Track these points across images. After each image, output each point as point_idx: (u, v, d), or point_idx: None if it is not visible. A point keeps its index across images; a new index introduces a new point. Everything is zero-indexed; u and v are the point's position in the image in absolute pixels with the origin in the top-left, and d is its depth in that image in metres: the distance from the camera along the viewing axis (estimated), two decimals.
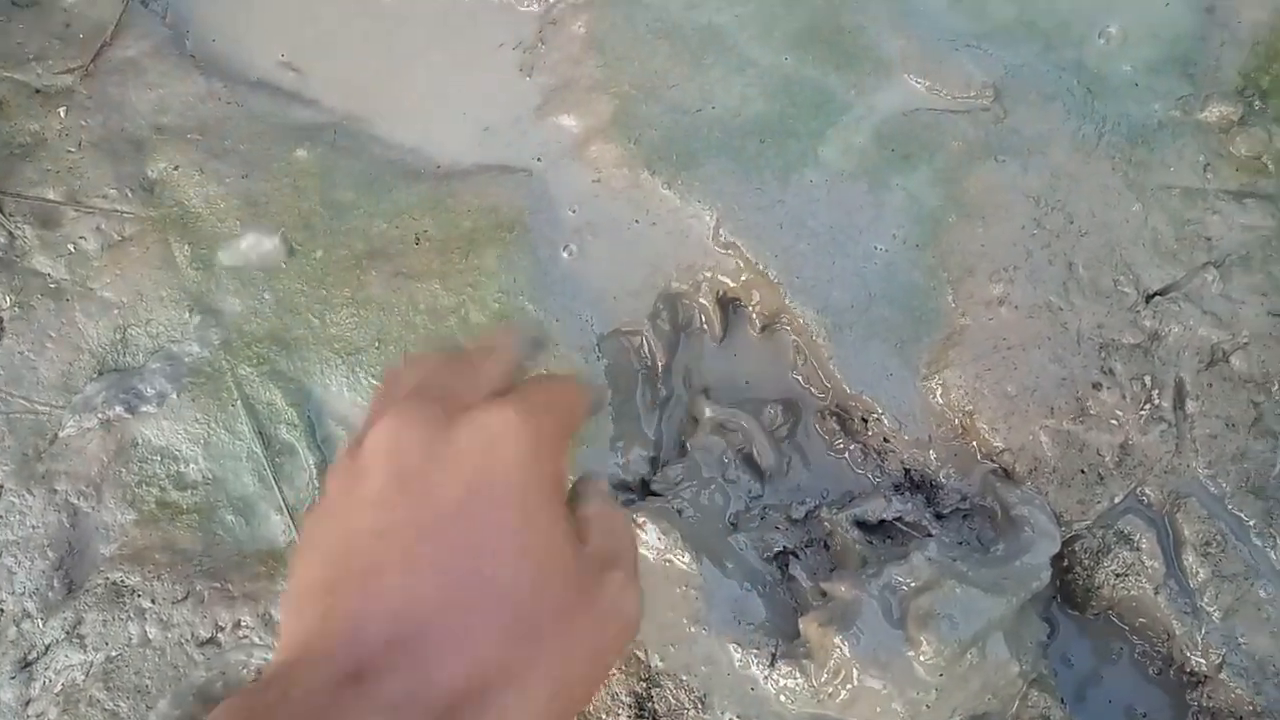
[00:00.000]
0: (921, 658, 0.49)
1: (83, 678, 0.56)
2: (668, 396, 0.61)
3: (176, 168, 0.65)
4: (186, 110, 0.67)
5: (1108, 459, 0.56)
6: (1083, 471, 0.56)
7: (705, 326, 0.62)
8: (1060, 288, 0.59)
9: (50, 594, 0.57)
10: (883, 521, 0.56)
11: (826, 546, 0.56)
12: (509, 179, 0.65)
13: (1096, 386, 0.57)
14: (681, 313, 0.62)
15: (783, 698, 0.51)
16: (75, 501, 0.59)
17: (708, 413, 0.59)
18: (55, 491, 0.59)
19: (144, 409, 0.60)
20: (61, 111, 0.67)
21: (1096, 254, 0.60)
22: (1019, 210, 0.61)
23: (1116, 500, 0.56)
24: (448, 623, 0.31)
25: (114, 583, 0.57)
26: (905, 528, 0.56)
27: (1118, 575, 0.55)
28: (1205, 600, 0.54)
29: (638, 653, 0.53)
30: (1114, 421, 0.56)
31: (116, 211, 0.64)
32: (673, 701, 0.53)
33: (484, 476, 0.33)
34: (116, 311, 0.62)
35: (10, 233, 0.63)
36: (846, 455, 0.59)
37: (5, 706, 0.55)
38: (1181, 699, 0.55)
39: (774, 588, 0.55)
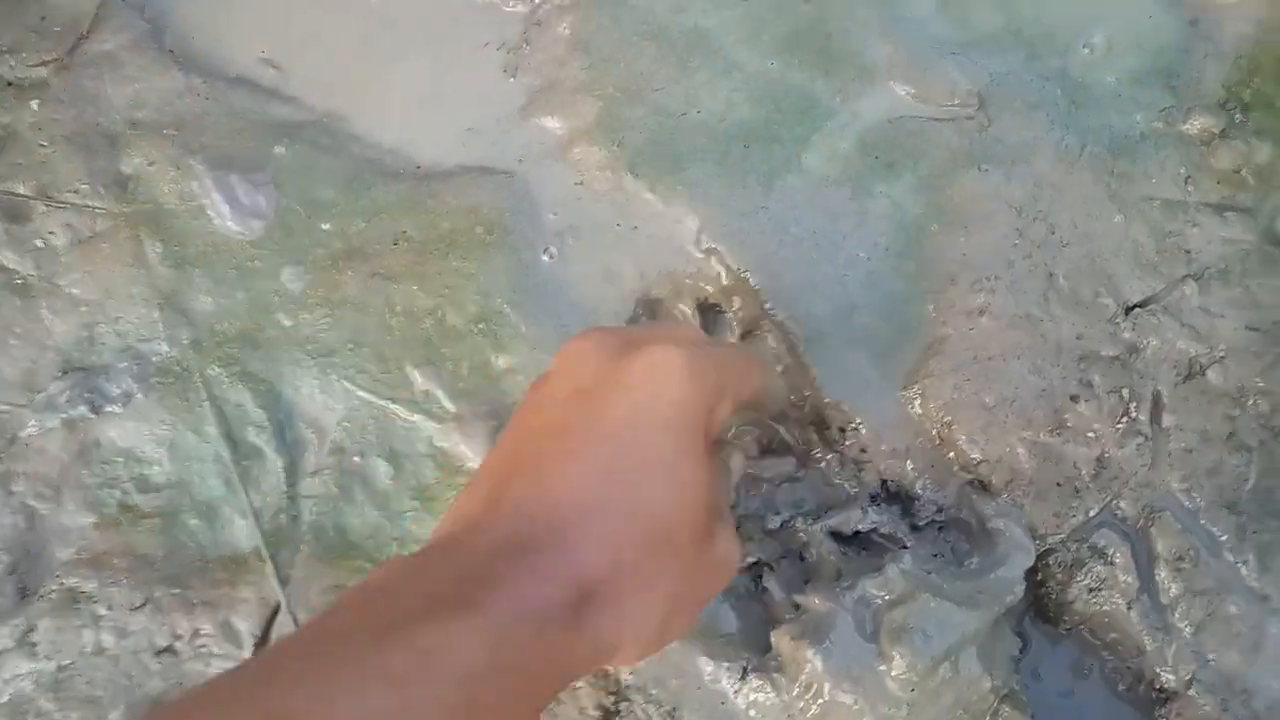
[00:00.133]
0: (894, 672, 0.49)
1: (32, 688, 0.55)
2: None
3: (151, 163, 0.64)
4: (163, 105, 0.66)
5: (1084, 472, 0.56)
6: (1059, 484, 0.56)
7: None
8: (1041, 298, 0.59)
9: (1, 600, 0.56)
10: (858, 533, 0.56)
11: (802, 558, 0.56)
12: (490, 180, 0.65)
13: (1075, 399, 0.57)
14: (662, 317, 0.62)
15: (753, 712, 0.51)
16: (33, 504, 0.58)
17: None
18: (12, 493, 0.58)
19: (109, 409, 0.59)
20: (34, 104, 0.65)
21: (1077, 265, 0.60)
22: (1001, 220, 0.61)
23: (1092, 514, 0.56)
24: (601, 517, 0.35)
25: (70, 588, 0.56)
26: (881, 539, 0.56)
27: (1091, 590, 0.55)
28: (1176, 616, 0.54)
29: (607, 665, 0.53)
30: (1091, 434, 0.56)
31: (88, 207, 0.63)
32: (641, 715, 0.52)
33: (650, 402, 0.37)
34: (84, 309, 0.61)
35: None
36: (823, 465, 0.59)
37: None
38: (1151, 715, 0.55)
39: (747, 600, 0.54)
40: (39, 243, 0.62)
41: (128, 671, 0.55)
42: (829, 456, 0.58)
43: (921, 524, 0.56)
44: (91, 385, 0.59)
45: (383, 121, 0.68)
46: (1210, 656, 0.53)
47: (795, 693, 0.50)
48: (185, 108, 0.66)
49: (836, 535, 0.56)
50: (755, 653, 0.52)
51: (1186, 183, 0.61)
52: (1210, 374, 0.57)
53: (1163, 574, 0.55)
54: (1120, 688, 0.55)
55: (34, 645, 0.55)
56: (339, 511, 0.58)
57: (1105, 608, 0.55)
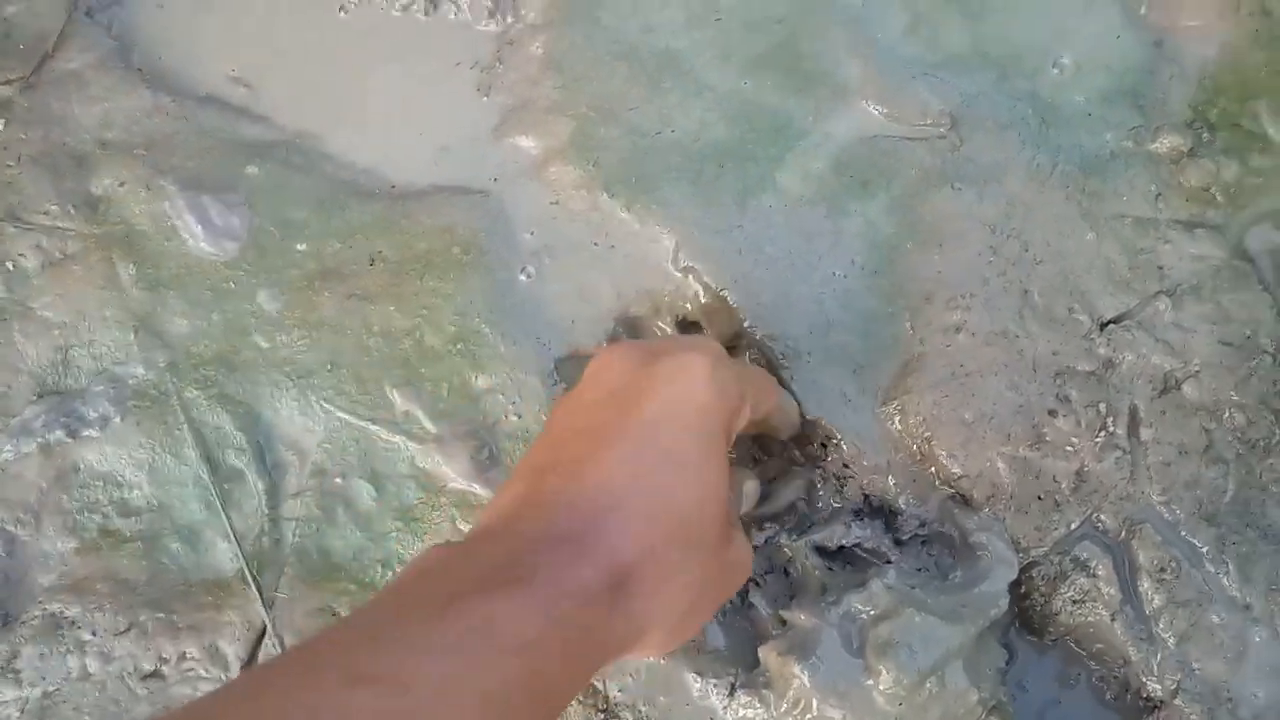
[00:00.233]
0: (881, 687, 0.49)
1: (18, 715, 0.54)
2: None
3: (122, 184, 0.64)
4: (132, 125, 0.66)
5: (1064, 486, 0.56)
6: (1039, 498, 0.56)
7: None
8: (1016, 315, 0.59)
9: None
10: (842, 548, 0.56)
11: (787, 573, 0.56)
12: (465, 200, 0.65)
13: (1052, 413, 0.57)
14: (640, 336, 0.62)
15: None
16: (12, 530, 0.57)
17: None
18: None
19: (86, 433, 0.58)
20: (0, 124, 0.65)
21: (1052, 282, 0.60)
22: (975, 238, 0.61)
23: (1073, 527, 0.56)
24: (633, 509, 0.37)
25: (52, 614, 0.55)
26: (865, 554, 0.56)
27: (1074, 601, 0.55)
28: (1160, 626, 0.55)
29: (595, 682, 0.52)
30: (1070, 448, 0.57)
31: (58, 229, 0.62)
32: None
33: (678, 405, 0.40)
34: (57, 332, 0.60)
35: None
36: (807, 481, 0.59)
37: None
38: None
39: (733, 616, 0.54)
40: (9, 265, 0.61)
41: (114, 696, 0.54)
42: (814, 473, 0.58)
43: (905, 538, 0.56)
44: (68, 409, 0.58)
45: (356, 141, 0.68)
46: (1195, 666, 0.54)
47: (783, 709, 0.50)
48: (155, 127, 0.66)
49: (821, 550, 0.56)
50: (743, 668, 0.52)
51: (1157, 200, 0.62)
52: (1185, 388, 0.58)
53: (1145, 585, 0.55)
54: (1108, 696, 0.56)
55: (18, 672, 0.54)
56: (322, 533, 0.57)
57: (1089, 619, 0.55)
